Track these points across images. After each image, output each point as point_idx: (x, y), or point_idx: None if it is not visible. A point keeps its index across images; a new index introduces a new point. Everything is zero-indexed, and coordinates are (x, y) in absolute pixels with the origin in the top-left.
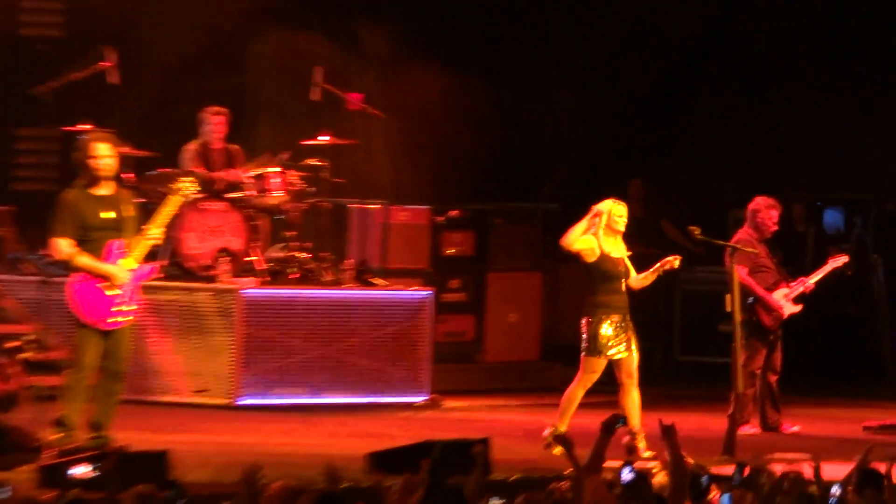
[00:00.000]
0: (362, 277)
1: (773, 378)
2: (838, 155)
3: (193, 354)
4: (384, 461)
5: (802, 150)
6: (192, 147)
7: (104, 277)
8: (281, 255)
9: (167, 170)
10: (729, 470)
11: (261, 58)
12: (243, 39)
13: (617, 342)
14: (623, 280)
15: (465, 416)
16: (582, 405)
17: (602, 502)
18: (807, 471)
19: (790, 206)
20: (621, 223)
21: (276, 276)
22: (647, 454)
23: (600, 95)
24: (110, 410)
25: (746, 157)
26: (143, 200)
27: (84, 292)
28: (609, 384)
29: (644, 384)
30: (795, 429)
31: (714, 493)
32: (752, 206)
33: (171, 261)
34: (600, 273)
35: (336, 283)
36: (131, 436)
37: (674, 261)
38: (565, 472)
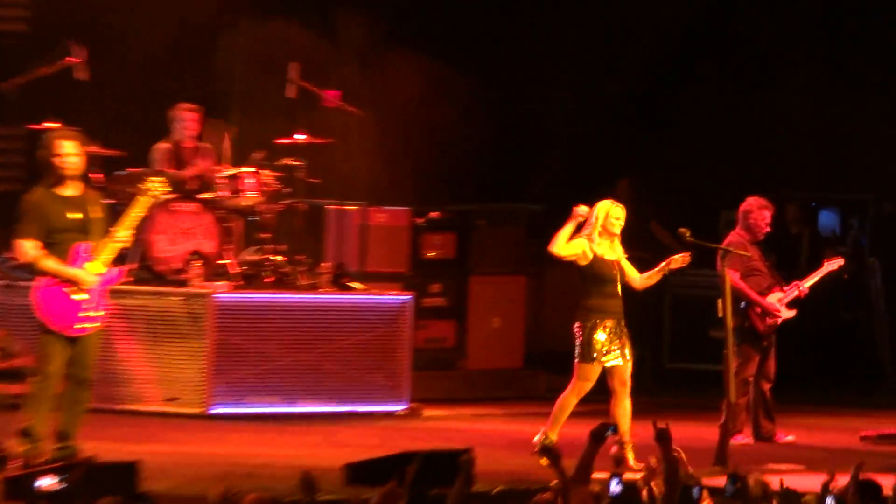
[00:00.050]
0: (339, 281)
1: (767, 386)
2: (834, 154)
3: (164, 361)
4: (362, 472)
5: (797, 149)
6: (162, 146)
7: (70, 282)
8: (255, 258)
9: (137, 170)
10: (721, 481)
11: (234, 53)
12: (215, 34)
13: (611, 348)
14: (618, 283)
15: (446, 426)
16: (570, 413)
17: None
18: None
19: (784, 207)
20: (618, 225)
21: (249, 280)
22: (636, 466)
23: (588, 93)
24: (77, 420)
25: (739, 156)
26: (112, 201)
27: (50, 297)
28: (600, 392)
29: (632, 392)
30: (790, 438)
31: None
32: (744, 206)
33: (140, 264)
34: (594, 276)
35: (312, 288)
36: (99, 446)
37: (680, 259)
38: (551, 484)
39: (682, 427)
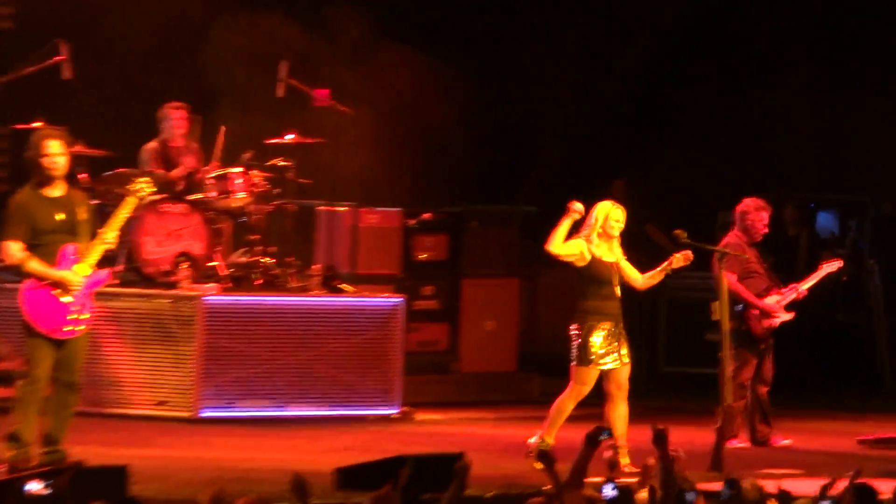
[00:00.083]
0: (330, 284)
1: (764, 390)
2: (832, 155)
3: (153, 365)
4: (353, 477)
5: (795, 150)
6: (150, 147)
7: (57, 284)
8: (244, 260)
9: (124, 170)
10: (717, 486)
11: (222, 50)
12: (204, 31)
13: (609, 351)
14: (616, 285)
15: (438, 430)
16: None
17: None
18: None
19: (781, 208)
20: (617, 228)
21: (239, 282)
22: (630, 470)
23: (583, 93)
24: (64, 424)
25: (736, 157)
26: (98, 202)
27: (37, 299)
28: (596, 395)
29: (627, 396)
30: (786, 442)
31: None
32: (740, 207)
33: (128, 266)
34: (591, 278)
35: (302, 290)
36: (88, 450)
37: (682, 257)
38: (544, 488)
39: (677, 431)
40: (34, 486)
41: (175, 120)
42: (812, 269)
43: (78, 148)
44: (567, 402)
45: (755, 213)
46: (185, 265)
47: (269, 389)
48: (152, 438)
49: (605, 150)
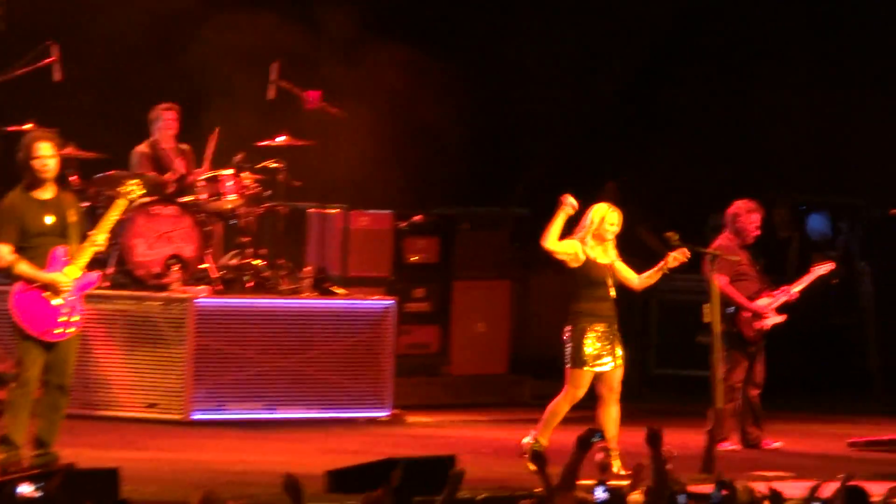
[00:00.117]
0: (321, 286)
1: (755, 392)
2: (824, 157)
3: (143, 367)
4: (344, 479)
5: (786, 152)
6: (141, 149)
7: (46, 286)
8: (235, 262)
9: (115, 172)
10: (708, 488)
11: (213, 49)
12: (194, 31)
13: (602, 353)
14: (610, 287)
15: (429, 432)
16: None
17: None
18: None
19: (772, 211)
20: (611, 231)
21: (230, 284)
22: (621, 472)
23: (574, 95)
24: (55, 426)
25: (727, 159)
26: (89, 204)
27: (27, 302)
28: (589, 398)
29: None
30: (777, 445)
31: None
32: (731, 210)
33: (119, 268)
34: (585, 279)
35: (293, 292)
36: (79, 452)
37: (679, 255)
38: (535, 490)
39: (668, 433)
40: (25, 489)
41: (166, 121)
42: (803, 271)
43: (69, 150)
44: (562, 404)
45: (746, 215)
46: (175, 267)
47: (260, 392)
48: (143, 441)
49: (596, 152)
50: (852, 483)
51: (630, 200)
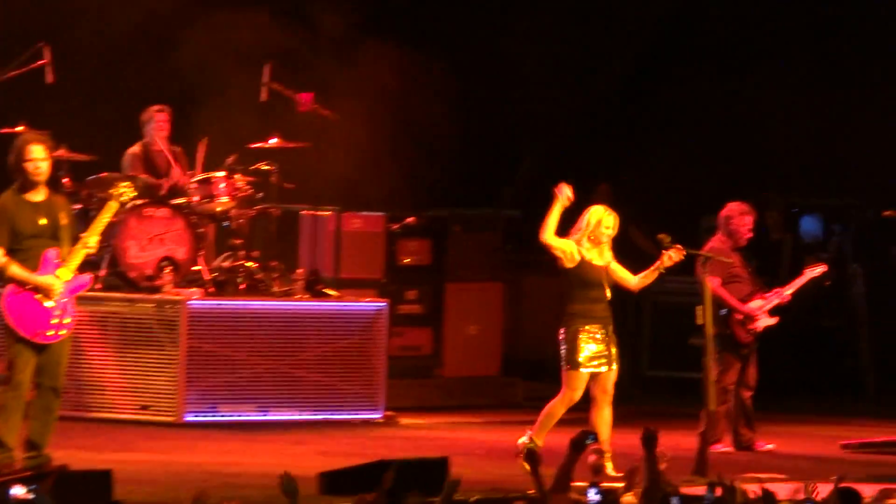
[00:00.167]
0: (313, 288)
1: (747, 394)
2: (817, 159)
3: (136, 369)
4: (337, 481)
5: (779, 153)
6: (133, 151)
7: (38, 289)
8: (227, 264)
9: (107, 174)
10: (700, 490)
11: (204, 49)
12: (186, 34)
13: (596, 355)
14: (605, 289)
15: (422, 434)
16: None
17: None
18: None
19: (765, 213)
20: (606, 235)
21: (222, 286)
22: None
23: (566, 97)
24: (48, 428)
25: (719, 161)
26: (81, 206)
27: (19, 304)
28: (583, 400)
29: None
30: (770, 447)
31: None
32: (724, 212)
33: (111, 270)
34: (580, 280)
35: (286, 295)
36: (71, 454)
37: (674, 254)
38: (528, 492)
39: (661, 435)
40: (18, 491)
41: (157, 122)
42: (796, 273)
43: (61, 152)
44: (558, 406)
45: (739, 217)
46: (168, 269)
47: (252, 393)
48: (136, 443)
49: (588, 153)
50: (845, 485)
51: (623, 202)
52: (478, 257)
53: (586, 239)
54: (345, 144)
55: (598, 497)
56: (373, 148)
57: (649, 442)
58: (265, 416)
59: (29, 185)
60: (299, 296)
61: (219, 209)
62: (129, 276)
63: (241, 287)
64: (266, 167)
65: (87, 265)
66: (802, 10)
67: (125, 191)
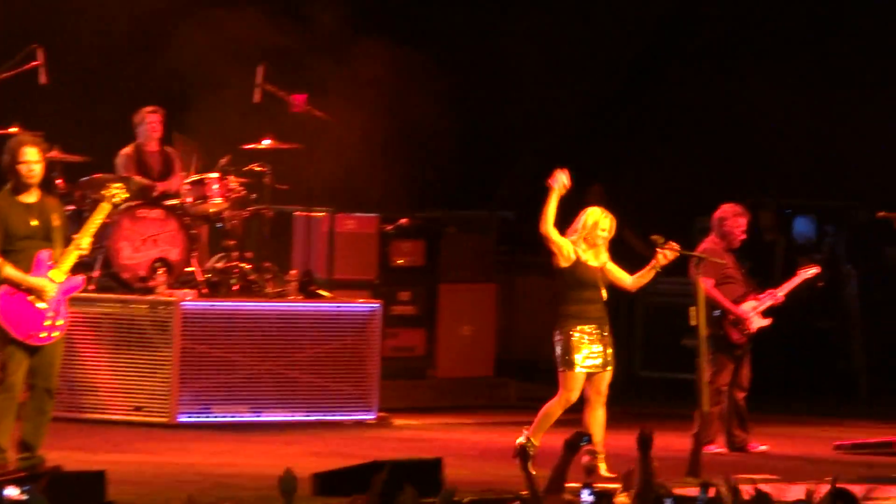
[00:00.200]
0: (307, 289)
1: (741, 395)
2: (810, 160)
3: (130, 370)
4: (330, 482)
5: (772, 155)
6: (126, 152)
7: (31, 290)
8: (221, 265)
9: (100, 175)
10: (694, 491)
11: (198, 49)
12: (179, 35)
13: (591, 356)
14: (600, 289)
15: (415, 435)
16: None
17: None
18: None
19: (758, 214)
20: (602, 237)
21: (215, 287)
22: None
23: (560, 98)
24: (41, 429)
25: (713, 162)
26: (75, 208)
27: (12, 306)
28: (578, 401)
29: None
30: (763, 448)
31: None
32: (718, 213)
33: (105, 271)
34: (575, 280)
35: (279, 296)
36: (65, 456)
37: (670, 253)
38: (522, 493)
39: (655, 436)
40: (11, 492)
41: (149, 123)
42: (789, 275)
43: (54, 153)
44: (554, 407)
45: (733, 218)
46: (161, 271)
47: (246, 395)
48: (129, 444)
49: (582, 154)
50: (840, 486)
51: (618, 202)
52: (471, 258)
53: (582, 240)
54: (338, 145)
55: (591, 498)
56: (366, 149)
57: (644, 444)
58: (258, 417)
59: (22, 186)
60: (293, 297)
61: (212, 210)
62: (122, 277)
63: (235, 288)
64: (259, 168)
65: (81, 266)
66: (798, 11)
67: (118, 192)
